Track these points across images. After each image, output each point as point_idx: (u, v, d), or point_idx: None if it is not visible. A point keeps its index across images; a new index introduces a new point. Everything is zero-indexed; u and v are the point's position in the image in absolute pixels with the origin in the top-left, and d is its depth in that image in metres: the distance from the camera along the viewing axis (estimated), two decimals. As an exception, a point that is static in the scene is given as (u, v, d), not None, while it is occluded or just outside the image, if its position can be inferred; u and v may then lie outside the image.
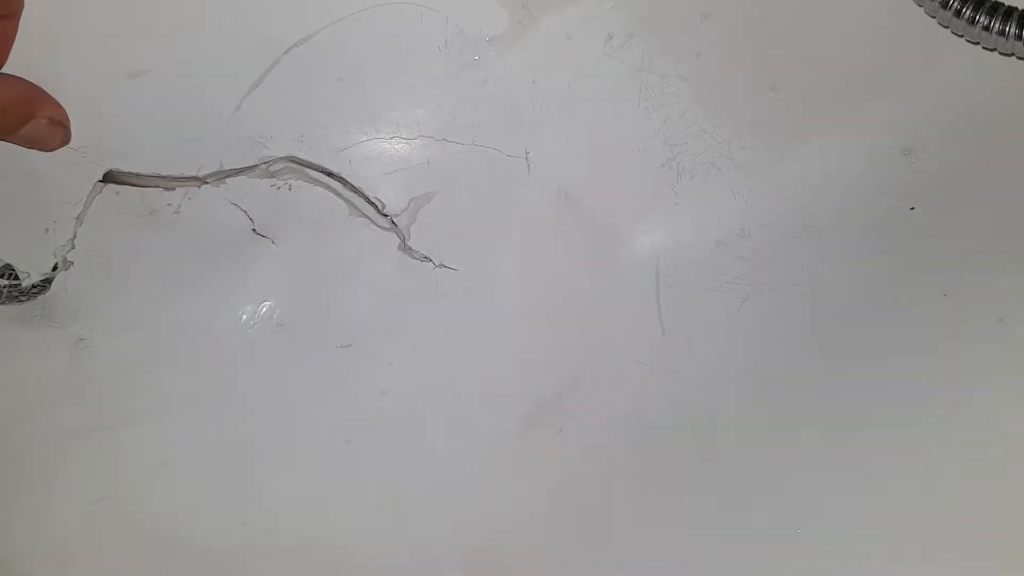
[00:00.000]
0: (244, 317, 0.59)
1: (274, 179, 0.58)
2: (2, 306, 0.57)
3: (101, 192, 0.57)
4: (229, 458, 0.57)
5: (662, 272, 0.61)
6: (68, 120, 0.48)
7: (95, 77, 0.55)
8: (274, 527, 0.57)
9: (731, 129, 0.60)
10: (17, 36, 0.44)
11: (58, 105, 0.47)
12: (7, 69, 0.44)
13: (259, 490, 0.58)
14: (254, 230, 0.58)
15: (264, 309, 0.59)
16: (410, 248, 0.59)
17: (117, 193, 0.57)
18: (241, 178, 0.58)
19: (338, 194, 0.58)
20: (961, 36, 0.50)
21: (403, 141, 0.57)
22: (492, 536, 0.56)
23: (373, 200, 0.58)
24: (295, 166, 0.58)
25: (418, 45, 0.56)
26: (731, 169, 0.60)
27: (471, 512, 0.57)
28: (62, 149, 0.54)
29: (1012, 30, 0.47)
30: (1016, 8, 0.47)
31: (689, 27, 0.58)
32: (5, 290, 0.57)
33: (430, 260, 0.59)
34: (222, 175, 0.58)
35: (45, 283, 0.57)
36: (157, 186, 0.58)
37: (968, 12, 0.48)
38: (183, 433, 0.57)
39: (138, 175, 0.57)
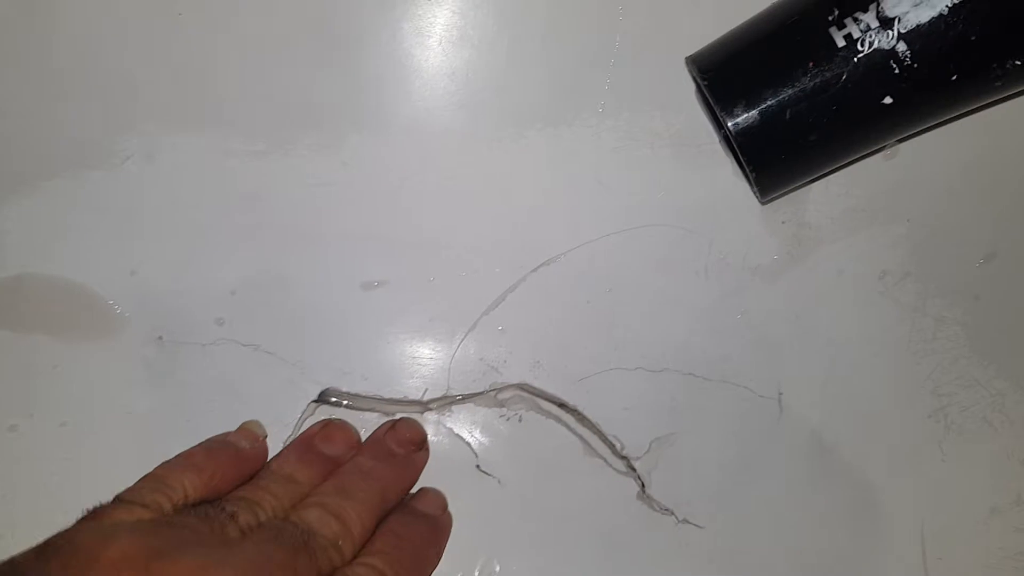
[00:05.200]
0: (461, 575, 0.50)
1: (504, 408, 0.51)
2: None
3: (314, 413, 0.50)
4: None
5: (928, 541, 0.53)
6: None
7: (324, 285, 0.50)
8: None
9: (1007, 381, 0.54)
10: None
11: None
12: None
13: None
14: (478, 466, 0.50)
15: (489, 567, 0.50)
16: (650, 497, 0.51)
17: (332, 416, 0.50)
18: (469, 406, 0.51)
19: (572, 429, 0.51)
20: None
21: (648, 373, 0.51)
22: None
23: (610, 439, 0.50)
24: (527, 395, 0.51)
25: (676, 270, 0.51)
26: (1005, 426, 0.53)
27: None
28: (279, 362, 0.48)
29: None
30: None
31: (969, 267, 0.53)
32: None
33: (672, 514, 0.51)
34: (448, 401, 0.51)
35: (242, 515, 0.49)
36: (376, 410, 0.51)
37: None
38: None
39: (357, 396, 0.51)
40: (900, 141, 0.49)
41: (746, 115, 0.41)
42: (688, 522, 0.52)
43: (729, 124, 0.41)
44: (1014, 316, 0.53)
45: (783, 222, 0.52)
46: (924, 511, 0.53)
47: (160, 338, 0.49)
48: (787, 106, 0.41)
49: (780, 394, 0.52)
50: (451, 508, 0.50)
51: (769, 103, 0.41)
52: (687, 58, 0.45)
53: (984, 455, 0.54)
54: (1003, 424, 0.54)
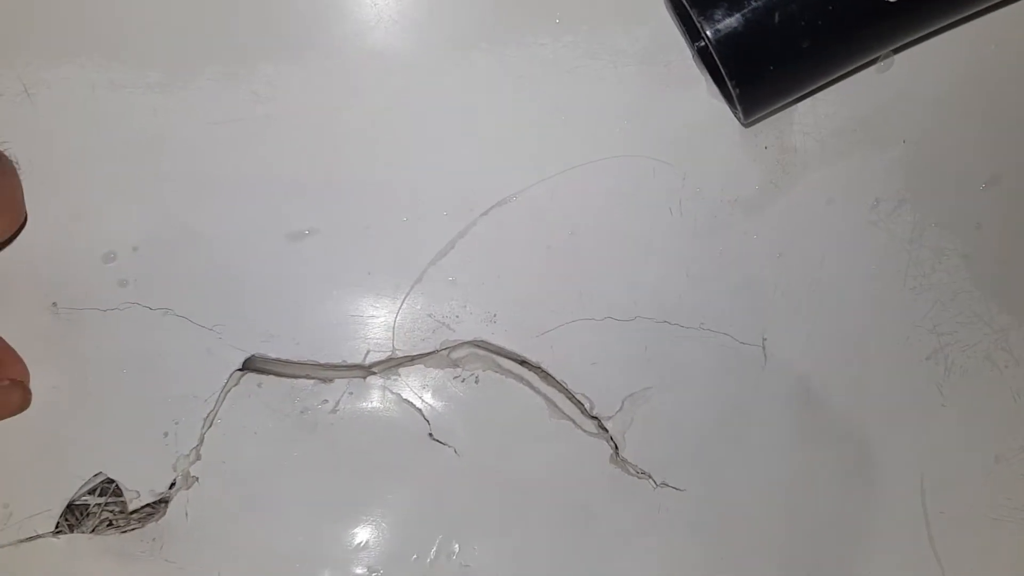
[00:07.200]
0: (416, 557, 0.44)
1: (458, 369, 0.45)
2: (99, 535, 0.42)
3: (239, 383, 0.44)
4: None
5: (929, 494, 0.48)
6: (28, 380, 0.41)
7: (246, 238, 0.43)
8: None
9: (1011, 316, 0.49)
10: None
11: (21, 363, 0.40)
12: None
13: None
14: (431, 435, 0.44)
15: (446, 547, 0.45)
16: (625, 461, 0.45)
17: (259, 385, 0.44)
18: (418, 367, 0.45)
19: (535, 389, 0.45)
20: None
21: (617, 323, 0.45)
22: None
23: (578, 397, 0.45)
24: (483, 352, 0.44)
25: (646, 206, 0.45)
26: (1010, 365, 0.49)
27: None
28: (194, 328, 0.42)
29: None
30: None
31: (970, 193, 0.47)
32: (101, 513, 0.42)
33: (650, 477, 0.45)
34: (394, 363, 0.45)
35: (159, 504, 0.43)
36: (311, 376, 0.44)
37: None
38: None
39: (287, 362, 0.44)
40: (896, 51, 0.43)
41: (727, 20, 0.35)
42: (667, 485, 0.47)
43: (708, 31, 0.35)
44: (1019, 246, 0.48)
45: (765, 147, 0.46)
46: (924, 462, 0.49)
47: (54, 305, 0.42)
48: (775, 7, 0.34)
49: (764, 340, 0.47)
50: (402, 482, 0.45)
51: (754, 4, 0.35)
52: (654, -44, 0.39)
53: (987, 397, 0.50)
54: (1007, 363, 0.49)
